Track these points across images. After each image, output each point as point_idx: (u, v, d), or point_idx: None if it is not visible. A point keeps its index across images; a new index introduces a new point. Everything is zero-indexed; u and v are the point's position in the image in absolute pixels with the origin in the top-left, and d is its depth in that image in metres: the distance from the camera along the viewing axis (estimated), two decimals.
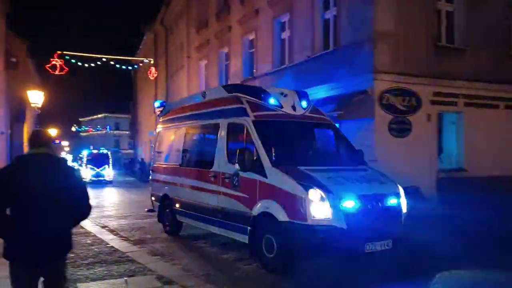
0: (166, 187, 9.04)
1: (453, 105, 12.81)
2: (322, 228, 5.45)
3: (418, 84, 11.93)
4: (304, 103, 7.31)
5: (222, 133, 7.21)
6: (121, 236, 9.09)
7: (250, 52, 18.25)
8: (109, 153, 31.00)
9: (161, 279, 5.69)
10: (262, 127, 6.56)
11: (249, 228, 6.27)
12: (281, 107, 7.01)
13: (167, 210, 8.98)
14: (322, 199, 5.50)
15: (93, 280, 5.74)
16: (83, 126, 75.94)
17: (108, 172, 28.55)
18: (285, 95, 7.21)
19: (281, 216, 5.72)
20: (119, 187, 25.37)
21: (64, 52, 21.72)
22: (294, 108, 7.13)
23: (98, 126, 73.51)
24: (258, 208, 6.13)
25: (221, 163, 7.09)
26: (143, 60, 29.28)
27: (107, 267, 6.36)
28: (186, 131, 8.66)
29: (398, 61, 11.70)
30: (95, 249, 7.65)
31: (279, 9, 15.74)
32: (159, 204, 9.31)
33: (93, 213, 12.83)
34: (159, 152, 9.86)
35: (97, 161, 28.51)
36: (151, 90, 34.15)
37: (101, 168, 28.20)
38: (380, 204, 5.90)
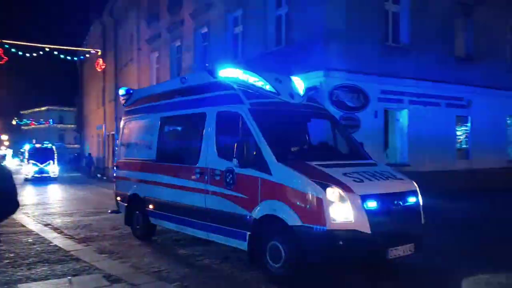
0: (135, 186, 7.95)
1: (399, 102, 13.39)
2: (344, 233, 4.71)
3: (366, 81, 12.34)
4: (300, 91, 6.62)
5: (210, 123, 6.26)
6: (65, 234, 8.69)
7: (203, 46, 18.05)
8: (53, 147, 29.22)
9: (108, 278, 5.50)
10: (260, 116, 5.69)
11: (248, 233, 5.45)
12: (278, 94, 6.21)
13: (137, 212, 7.92)
14: (342, 199, 4.78)
15: (34, 280, 5.46)
16: (24, 119, 71.86)
17: (53, 168, 26.88)
18: (280, 81, 6.41)
19: (292, 219, 4.92)
20: (64, 183, 24.29)
21: (4, 41, 20.47)
22: (292, 95, 6.36)
23: (41, 119, 69.86)
24: (260, 210, 5.32)
25: (209, 158, 6.15)
26: (90, 51, 28.14)
27: (50, 267, 6.07)
28: (162, 121, 7.52)
29: (347, 59, 12.03)
30: (37, 248, 7.28)
31: (232, 3, 15.67)
32: (126, 204, 8.24)
33: (36, 211, 12.24)
34: (126, 146, 8.74)
35: (41, 156, 26.69)
36: (98, 82, 32.91)
37: (44, 164, 26.44)
38: (401, 204, 5.25)
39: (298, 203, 4.95)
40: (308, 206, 4.87)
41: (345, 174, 5.17)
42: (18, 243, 7.70)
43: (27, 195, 17.06)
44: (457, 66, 14.54)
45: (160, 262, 6.37)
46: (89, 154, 35.02)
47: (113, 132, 28.47)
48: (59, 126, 71.19)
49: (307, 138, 6.94)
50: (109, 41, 30.11)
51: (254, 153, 5.37)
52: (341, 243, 4.69)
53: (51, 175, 26.43)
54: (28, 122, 69.34)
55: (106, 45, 30.73)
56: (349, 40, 12.01)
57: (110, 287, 5.19)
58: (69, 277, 5.54)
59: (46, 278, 5.55)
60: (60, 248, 7.30)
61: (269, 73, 6.55)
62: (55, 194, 18.59)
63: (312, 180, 4.93)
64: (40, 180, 25.26)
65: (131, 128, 8.66)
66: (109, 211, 9.94)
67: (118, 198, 8.71)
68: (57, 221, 10.38)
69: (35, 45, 22.46)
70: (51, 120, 69.43)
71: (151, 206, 7.48)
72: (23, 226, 9.65)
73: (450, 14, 14.52)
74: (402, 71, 13.02)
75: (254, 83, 6.21)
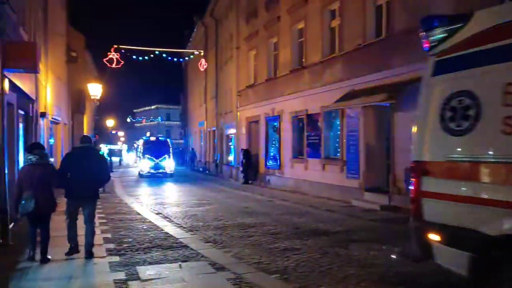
0: None
1: None
2: None
3: None
4: None
5: None
6: (174, 223, 9.41)
7: (299, 42, 18.07)
8: (168, 140, 27.42)
9: (213, 265, 5.89)
10: None
11: None
12: None
13: None
14: None
15: (150, 263, 6.03)
16: (137, 117, 78.97)
17: (169, 164, 24.71)
18: None
19: None
20: (171, 176, 24.81)
21: (120, 46, 22.55)
22: None
23: (151, 117, 76.16)
24: None
25: None
26: (193, 52, 29.83)
27: (163, 252, 6.66)
28: None
29: None
30: (151, 235, 8.01)
31: None
32: (472, 255, 3.70)
33: (150, 200, 13.46)
34: (451, 131, 4.06)
35: (156, 150, 24.82)
36: (200, 81, 34.79)
37: (160, 159, 24.43)
38: None
39: None
40: None
41: None
42: (135, 230, 8.56)
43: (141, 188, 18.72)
44: None
45: (260, 253, 6.60)
46: (192, 149, 37.17)
47: (214, 128, 29.89)
48: (166, 123, 76.64)
49: None
50: (211, 41, 31.63)
51: None
52: None
53: (167, 171, 24.46)
54: (140, 119, 76.09)
55: (207, 45, 32.36)
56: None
57: (215, 274, 5.55)
58: (180, 263, 6.04)
59: (160, 262, 6.11)
60: (170, 236, 7.96)
61: None
62: (162, 185, 20.12)
63: None
64: (155, 177, 23.83)
65: (448, 96, 4.22)
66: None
67: (436, 238, 4.14)
68: (167, 211, 11.25)
69: (146, 49, 24.44)
70: (159, 118, 75.20)
71: None
72: (139, 214, 10.68)
73: None
74: None
75: None
